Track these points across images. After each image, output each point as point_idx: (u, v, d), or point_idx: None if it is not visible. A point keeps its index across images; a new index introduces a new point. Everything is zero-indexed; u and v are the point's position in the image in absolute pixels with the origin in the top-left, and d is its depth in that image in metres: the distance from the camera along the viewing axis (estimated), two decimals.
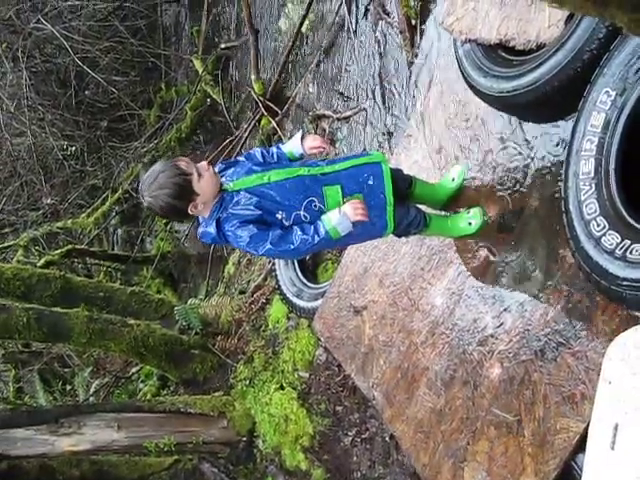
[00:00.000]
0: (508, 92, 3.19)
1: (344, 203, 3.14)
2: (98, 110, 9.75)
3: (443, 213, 3.83)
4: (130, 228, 10.20)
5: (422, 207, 3.66)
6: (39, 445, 5.22)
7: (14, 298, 6.17)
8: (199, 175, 2.98)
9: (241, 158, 3.34)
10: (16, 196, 10.16)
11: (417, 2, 4.45)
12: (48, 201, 9.63)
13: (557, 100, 3.05)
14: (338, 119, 5.41)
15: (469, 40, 3.49)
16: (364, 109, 5.15)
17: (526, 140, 3.46)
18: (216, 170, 3.21)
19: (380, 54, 4.99)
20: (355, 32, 5.33)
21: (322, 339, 4.86)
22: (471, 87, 3.50)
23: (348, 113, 5.32)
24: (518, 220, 3.42)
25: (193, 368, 6.19)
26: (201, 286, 8.37)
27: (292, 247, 3.06)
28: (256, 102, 6.82)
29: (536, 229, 3.29)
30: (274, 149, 3.36)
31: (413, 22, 4.50)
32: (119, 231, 10.40)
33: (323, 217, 3.06)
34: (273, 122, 6.52)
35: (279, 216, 3.06)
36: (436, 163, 4.05)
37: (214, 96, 8.07)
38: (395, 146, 4.65)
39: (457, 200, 3.80)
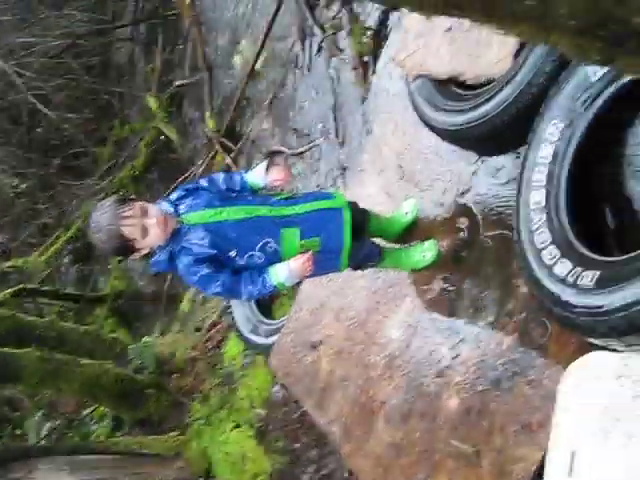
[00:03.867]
0: (459, 126, 3.25)
1: (300, 246, 3.14)
2: (51, 147, 9.66)
3: (398, 246, 3.86)
4: (83, 267, 10.06)
5: (377, 240, 3.68)
6: None
7: None
8: (144, 234, 2.93)
9: (203, 182, 3.29)
10: None
11: (369, 39, 4.52)
12: None
13: (507, 133, 3.11)
14: (292, 155, 5.44)
15: (420, 75, 3.55)
16: (318, 145, 5.19)
17: (478, 173, 3.51)
18: (174, 197, 3.19)
19: (333, 90, 5.03)
20: (309, 69, 5.39)
21: (279, 375, 4.82)
22: (424, 121, 3.55)
23: (302, 149, 5.35)
24: (472, 251, 3.45)
25: (148, 408, 6.07)
26: (156, 324, 8.26)
27: (240, 295, 3.10)
28: (210, 139, 6.82)
29: (490, 260, 3.33)
30: (237, 177, 3.32)
31: (365, 58, 4.57)
32: (71, 270, 10.25)
33: (271, 271, 3.05)
34: (228, 158, 6.52)
35: (232, 254, 3.04)
36: (390, 197, 4.08)
37: (168, 133, 8.06)
38: (349, 180, 4.68)
39: (411, 233, 3.83)
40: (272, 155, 5.73)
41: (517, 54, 3.03)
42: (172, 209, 3.10)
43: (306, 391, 4.41)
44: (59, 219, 9.39)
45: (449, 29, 3.41)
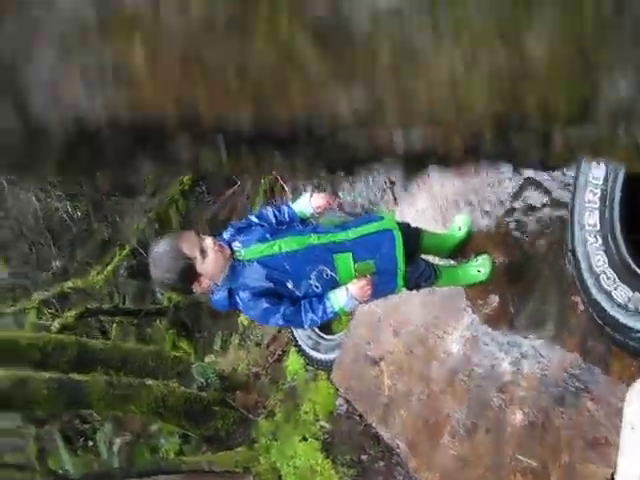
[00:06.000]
0: None
1: (355, 270, 3.19)
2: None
3: (452, 262, 3.88)
4: (141, 282, 10.22)
5: (431, 257, 3.71)
6: None
7: (31, 365, 6.22)
8: (203, 255, 3.00)
9: (253, 218, 3.36)
10: (25, 258, 10.26)
11: None
12: (57, 263, 9.71)
13: None
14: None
15: None
16: None
17: (532, 188, 3.51)
18: (227, 235, 3.26)
19: None
20: None
21: (341, 390, 4.88)
22: None
23: None
24: (528, 266, 3.46)
25: (215, 425, 6.19)
26: (216, 337, 8.38)
27: (302, 324, 3.18)
28: None
29: (547, 275, 3.33)
30: (285, 208, 3.38)
31: None
32: (130, 286, 10.42)
33: (331, 297, 3.10)
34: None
35: (289, 285, 3.10)
36: (441, 212, 4.10)
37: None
38: (399, 195, 4.71)
39: (465, 248, 3.85)
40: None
41: None
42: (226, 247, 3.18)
43: (369, 406, 4.47)
44: (113, 238, 9.58)
45: None
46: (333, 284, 3.16)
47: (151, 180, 9.30)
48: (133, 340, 9.55)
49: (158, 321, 9.74)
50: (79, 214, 9.62)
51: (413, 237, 3.61)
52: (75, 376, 5.87)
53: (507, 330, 3.53)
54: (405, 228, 3.53)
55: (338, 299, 3.10)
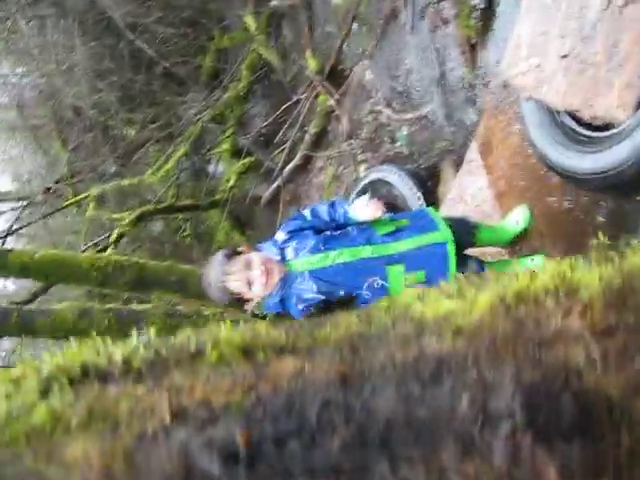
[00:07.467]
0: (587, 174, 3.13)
1: (406, 280, 3.19)
2: (153, 63, 9.65)
3: (507, 257, 3.82)
4: (198, 181, 10.19)
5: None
6: None
7: (94, 284, 6.46)
8: (250, 286, 3.02)
9: (307, 214, 3.33)
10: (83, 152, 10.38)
11: (477, 21, 4.21)
12: (113, 169, 9.81)
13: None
14: (397, 121, 5.27)
15: (534, 99, 3.37)
16: (425, 116, 4.98)
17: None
18: (281, 240, 3.26)
19: (440, 63, 4.76)
20: (412, 30, 5.09)
21: None
22: (539, 156, 3.40)
23: (408, 116, 5.15)
24: None
25: None
26: (269, 235, 8.40)
27: None
28: (312, 80, 6.66)
29: None
30: (341, 210, 3.33)
31: (473, 41, 4.28)
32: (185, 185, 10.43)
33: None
34: (332, 101, 6.38)
35: (341, 293, 3.13)
36: (499, 195, 3.98)
37: (269, 58, 7.90)
38: (457, 165, 4.54)
39: (521, 244, 3.77)
40: (377, 112, 5.58)
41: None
42: (278, 253, 3.19)
43: None
44: (170, 138, 9.50)
45: (565, 55, 3.19)
46: (384, 292, 3.17)
47: (205, 79, 9.16)
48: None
49: (213, 215, 9.81)
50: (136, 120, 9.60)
51: (469, 235, 3.57)
52: (135, 306, 6.06)
53: None
54: (459, 227, 3.47)
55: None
